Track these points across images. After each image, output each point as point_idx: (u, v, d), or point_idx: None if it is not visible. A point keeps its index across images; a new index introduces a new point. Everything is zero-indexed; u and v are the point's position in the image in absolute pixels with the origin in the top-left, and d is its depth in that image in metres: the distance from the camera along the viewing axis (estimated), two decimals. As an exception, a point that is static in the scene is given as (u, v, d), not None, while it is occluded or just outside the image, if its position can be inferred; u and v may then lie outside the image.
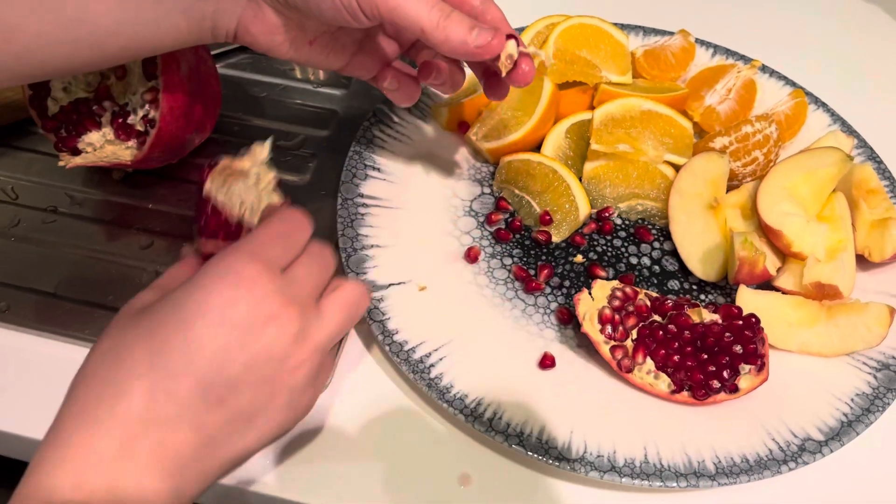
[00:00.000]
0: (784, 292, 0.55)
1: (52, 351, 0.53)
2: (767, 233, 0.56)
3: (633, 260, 0.59)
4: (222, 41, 0.46)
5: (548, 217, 0.59)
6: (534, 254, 0.58)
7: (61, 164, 0.56)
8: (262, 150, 0.43)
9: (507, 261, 0.58)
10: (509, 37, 0.45)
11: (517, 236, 0.59)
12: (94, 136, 0.57)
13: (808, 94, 0.67)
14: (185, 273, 0.42)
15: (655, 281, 0.58)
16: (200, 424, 0.36)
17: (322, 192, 0.62)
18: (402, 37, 0.52)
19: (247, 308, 0.36)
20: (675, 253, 0.59)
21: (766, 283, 0.56)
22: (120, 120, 0.57)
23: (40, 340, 0.53)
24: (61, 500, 0.33)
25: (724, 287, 0.57)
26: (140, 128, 0.57)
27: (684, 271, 0.58)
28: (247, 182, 0.42)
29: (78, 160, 0.56)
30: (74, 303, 0.54)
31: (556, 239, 0.59)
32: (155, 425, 0.35)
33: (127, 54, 0.46)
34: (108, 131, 0.58)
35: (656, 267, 0.59)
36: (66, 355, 0.52)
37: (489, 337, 0.53)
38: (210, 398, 0.36)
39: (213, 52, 0.66)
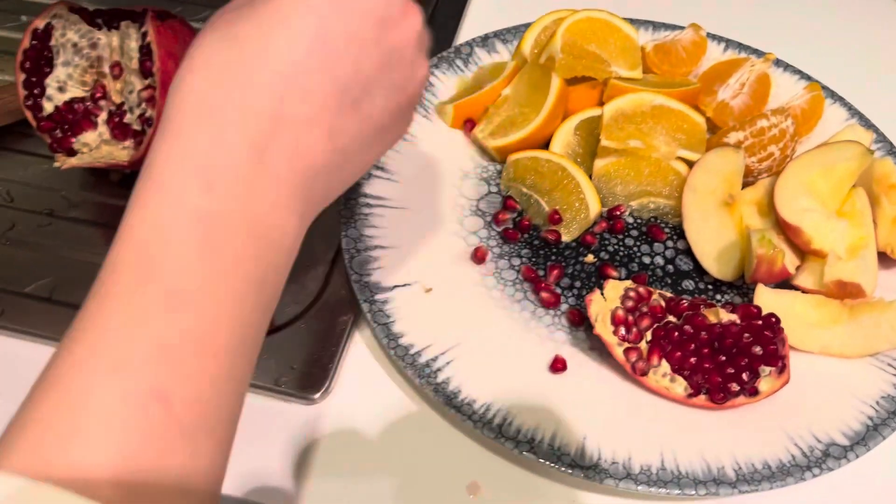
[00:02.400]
0: (804, 291, 0.53)
1: (47, 357, 0.51)
2: (786, 229, 0.54)
3: (646, 259, 0.57)
4: None
5: (557, 216, 0.57)
6: (543, 254, 0.57)
7: (57, 164, 0.55)
8: None
9: (516, 261, 0.56)
10: None
11: (525, 236, 0.57)
12: (89, 136, 0.56)
13: (824, 87, 0.65)
14: None
15: (669, 281, 0.56)
16: (337, 130, 0.32)
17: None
18: None
19: None
20: (689, 252, 0.57)
21: (784, 283, 0.54)
22: (116, 119, 0.56)
23: (35, 346, 0.51)
24: (194, 205, 0.30)
25: (741, 287, 0.55)
26: (137, 127, 0.55)
27: (699, 271, 0.56)
28: None
29: (73, 161, 0.55)
30: (71, 308, 0.52)
31: (566, 238, 0.57)
32: (290, 124, 0.31)
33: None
34: (104, 131, 0.56)
35: (670, 266, 0.57)
36: (62, 362, 0.50)
37: (498, 340, 0.51)
38: (346, 100, 0.32)
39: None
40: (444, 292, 0.53)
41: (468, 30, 0.75)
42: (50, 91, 0.56)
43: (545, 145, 0.61)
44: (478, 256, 0.55)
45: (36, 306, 0.53)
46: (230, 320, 0.30)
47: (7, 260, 0.55)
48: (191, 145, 0.30)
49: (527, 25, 0.68)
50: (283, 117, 0.31)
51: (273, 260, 0.32)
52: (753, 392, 0.48)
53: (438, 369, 0.49)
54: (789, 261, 0.54)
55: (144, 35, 0.54)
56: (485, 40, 0.68)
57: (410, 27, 0.34)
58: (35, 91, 0.55)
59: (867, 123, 0.63)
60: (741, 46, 0.69)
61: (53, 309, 0.53)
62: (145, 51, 0.54)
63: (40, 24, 0.55)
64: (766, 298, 0.52)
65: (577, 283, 0.55)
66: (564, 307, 0.54)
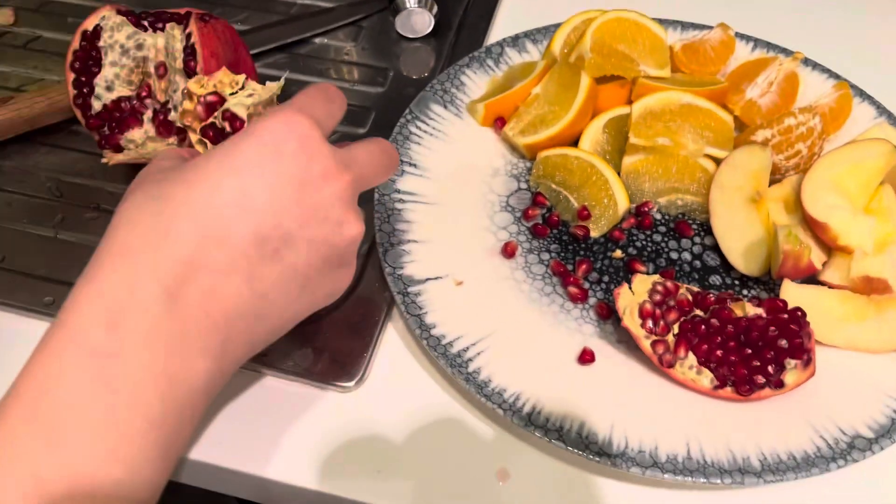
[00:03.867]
0: (830, 286, 0.54)
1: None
2: (813, 226, 0.55)
3: (674, 255, 0.58)
4: None
5: (586, 212, 0.58)
6: (572, 249, 0.58)
7: (104, 160, 0.57)
8: (276, 86, 0.45)
9: (545, 256, 0.57)
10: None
11: (555, 231, 0.59)
12: (136, 134, 0.58)
13: (852, 86, 0.65)
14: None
15: (697, 276, 0.57)
16: (255, 277, 0.33)
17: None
18: None
19: (303, 161, 0.34)
20: (716, 248, 0.58)
21: (810, 278, 0.55)
22: (161, 117, 0.58)
23: (84, 334, 0.54)
24: (94, 343, 0.31)
25: (767, 282, 0.56)
26: (180, 124, 0.57)
27: (726, 266, 0.57)
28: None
29: (120, 157, 0.57)
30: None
31: (594, 234, 0.58)
32: (205, 271, 0.32)
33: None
34: (149, 128, 0.58)
35: (697, 262, 0.58)
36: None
37: (527, 332, 0.53)
38: (266, 250, 0.33)
39: (251, 52, 0.66)
40: (475, 285, 0.55)
41: (498, 30, 0.76)
42: (98, 90, 0.58)
43: (574, 143, 0.62)
44: (508, 251, 0.57)
45: (84, 296, 0.55)
46: (120, 459, 0.30)
47: (57, 251, 0.58)
48: (104, 287, 0.32)
49: (556, 25, 0.69)
50: (198, 263, 0.32)
51: (181, 400, 0.33)
52: (779, 385, 0.49)
53: (469, 359, 0.50)
54: (816, 257, 0.54)
55: (188, 36, 0.56)
56: (515, 40, 0.69)
57: (332, 191, 0.36)
58: (84, 90, 0.58)
59: (896, 121, 0.64)
60: (769, 45, 0.69)
61: (101, 298, 0.55)
62: (189, 51, 0.56)
63: (89, 26, 0.57)
64: (793, 293, 0.53)
65: (605, 278, 0.56)
66: (592, 301, 0.55)
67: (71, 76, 0.58)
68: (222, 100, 0.46)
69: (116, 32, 0.58)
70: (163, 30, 0.58)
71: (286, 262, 0.35)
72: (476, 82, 0.67)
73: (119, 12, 0.58)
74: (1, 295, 0.55)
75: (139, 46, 0.58)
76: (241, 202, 0.33)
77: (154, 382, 0.32)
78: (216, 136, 0.46)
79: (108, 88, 0.58)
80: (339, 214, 0.36)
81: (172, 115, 0.58)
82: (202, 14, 0.57)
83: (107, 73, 0.58)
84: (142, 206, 0.34)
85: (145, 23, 0.58)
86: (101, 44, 0.57)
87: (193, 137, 0.47)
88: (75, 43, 0.57)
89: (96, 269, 0.33)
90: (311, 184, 0.35)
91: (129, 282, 0.32)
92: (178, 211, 0.33)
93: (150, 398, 0.32)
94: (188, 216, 0.33)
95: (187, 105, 0.47)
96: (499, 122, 0.64)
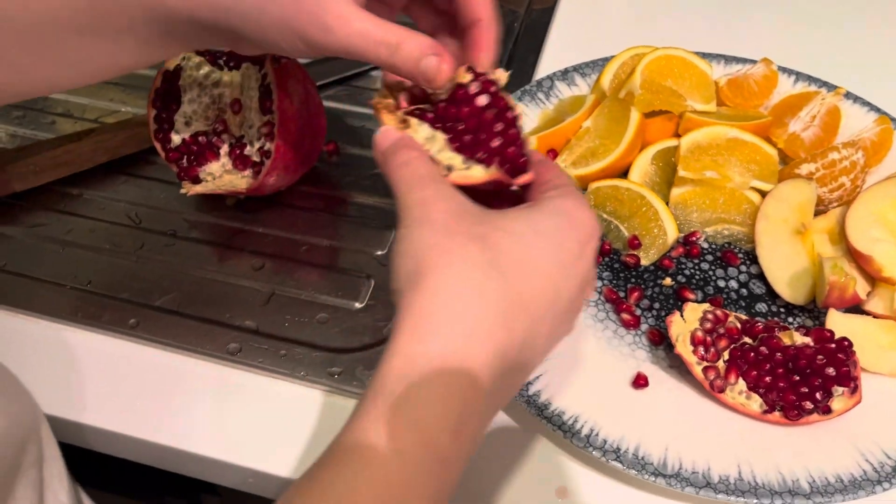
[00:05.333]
0: (874, 316, 0.56)
1: (180, 364, 0.57)
2: (857, 258, 0.57)
3: (721, 283, 0.61)
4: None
5: (636, 241, 0.61)
6: (623, 276, 0.61)
7: (183, 191, 0.61)
8: (503, 75, 0.44)
9: (598, 283, 0.60)
10: (469, 69, 0.43)
11: (606, 259, 0.62)
12: (213, 167, 0.62)
13: (893, 120, 0.68)
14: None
15: (743, 304, 0.59)
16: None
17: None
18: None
19: (582, 268, 0.39)
20: (761, 276, 0.60)
21: (855, 307, 0.57)
22: (237, 151, 0.62)
23: (166, 354, 0.57)
24: (443, 450, 0.33)
25: (812, 310, 0.59)
26: (256, 158, 0.61)
27: (771, 294, 0.60)
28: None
29: (199, 188, 0.61)
30: (196, 320, 0.59)
31: (644, 262, 0.61)
32: (516, 360, 0.36)
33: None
34: (226, 161, 0.62)
35: (744, 290, 0.60)
36: (190, 369, 0.57)
37: (583, 356, 0.56)
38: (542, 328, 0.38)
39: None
40: (533, 311, 0.58)
41: (547, 63, 0.79)
42: (178, 125, 0.62)
43: (623, 174, 0.65)
44: (562, 278, 0.60)
45: (165, 318, 0.59)
46: None
47: (138, 275, 0.62)
48: (452, 384, 0.34)
49: (603, 59, 0.72)
50: (514, 356, 0.36)
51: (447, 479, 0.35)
52: (826, 410, 0.51)
53: (530, 382, 0.53)
54: (860, 287, 0.57)
55: (264, 76, 0.60)
56: (565, 74, 0.73)
57: (592, 253, 0.41)
58: (164, 126, 0.62)
59: (936, 155, 0.66)
60: (811, 79, 0.72)
61: (181, 321, 0.59)
62: (264, 90, 0.60)
63: (170, 66, 0.61)
64: (838, 322, 0.55)
65: (656, 305, 0.59)
66: (644, 327, 0.58)
67: (152, 112, 0.62)
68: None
69: (195, 71, 0.62)
70: (238, 68, 0.62)
71: (558, 334, 0.40)
72: (528, 115, 0.70)
73: (198, 52, 0.62)
74: (89, 317, 0.59)
75: (216, 84, 0.62)
76: (551, 289, 0.37)
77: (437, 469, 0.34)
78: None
79: (187, 124, 0.62)
80: (593, 274, 0.41)
81: (248, 150, 0.62)
82: (273, 56, 0.61)
83: (186, 108, 0.62)
84: (471, 276, 0.36)
85: (220, 61, 0.62)
86: (181, 83, 0.62)
87: (394, 117, 0.44)
88: (157, 82, 0.61)
89: (433, 340, 0.34)
90: (583, 255, 0.40)
91: (471, 380, 0.34)
92: (513, 302, 0.36)
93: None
94: (523, 309, 0.36)
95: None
96: (551, 154, 0.67)
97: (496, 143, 0.42)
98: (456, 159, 0.42)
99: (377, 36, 0.40)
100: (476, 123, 0.42)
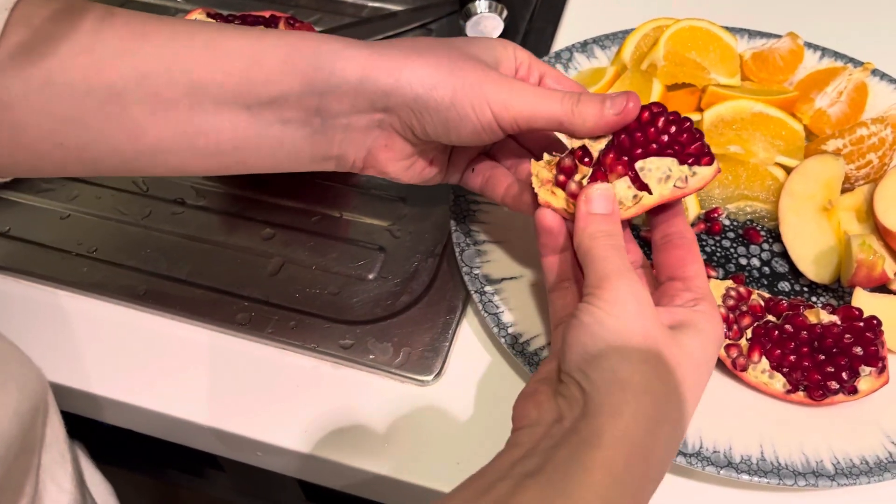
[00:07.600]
0: (902, 296, 0.55)
1: (187, 334, 0.56)
2: (885, 236, 0.56)
3: (743, 261, 0.59)
4: (347, 170, 0.48)
5: (657, 217, 0.60)
6: (645, 251, 0.59)
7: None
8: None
9: (616, 259, 0.59)
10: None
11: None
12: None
13: (922, 97, 0.66)
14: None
15: (765, 282, 0.58)
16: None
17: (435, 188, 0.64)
18: (525, 138, 0.52)
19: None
20: (784, 255, 0.59)
21: (881, 287, 0.56)
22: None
23: (175, 324, 0.56)
24: None
25: (836, 290, 0.57)
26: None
27: (794, 273, 0.58)
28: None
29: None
30: (205, 289, 0.58)
31: (664, 238, 0.60)
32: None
33: (241, 168, 0.47)
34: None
35: (766, 268, 0.59)
36: (199, 339, 0.55)
37: (602, 332, 0.54)
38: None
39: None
40: (550, 286, 0.56)
41: (565, 35, 0.77)
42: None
43: (644, 148, 0.63)
44: (580, 253, 0.58)
45: (174, 287, 0.58)
46: None
47: (146, 243, 0.60)
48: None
49: (623, 31, 0.71)
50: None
51: None
52: (852, 391, 0.50)
53: (545, 358, 0.52)
54: (889, 266, 0.55)
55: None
56: (584, 46, 0.71)
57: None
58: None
59: (965, 133, 0.64)
60: (837, 55, 0.70)
61: (189, 290, 0.57)
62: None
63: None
64: (865, 301, 0.53)
65: (676, 282, 0.57)
66: (664, 304, 0.56)
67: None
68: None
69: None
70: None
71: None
72: (546, 87, 0.68)
73: (209, 15, 0.60)
74: (95, 284, 0.57)
75: (227, 48, 0.60)
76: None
77: None
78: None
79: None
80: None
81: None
82: (289, 18, 0.60)
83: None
84: (647, 431, 0.37)
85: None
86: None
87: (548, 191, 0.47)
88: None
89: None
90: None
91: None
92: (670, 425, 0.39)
93: None
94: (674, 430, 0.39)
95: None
96: (569, 127, 0.65)
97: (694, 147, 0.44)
98: (684, 170, 0.44)
99: (560, 91, 0.44)
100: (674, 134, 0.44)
